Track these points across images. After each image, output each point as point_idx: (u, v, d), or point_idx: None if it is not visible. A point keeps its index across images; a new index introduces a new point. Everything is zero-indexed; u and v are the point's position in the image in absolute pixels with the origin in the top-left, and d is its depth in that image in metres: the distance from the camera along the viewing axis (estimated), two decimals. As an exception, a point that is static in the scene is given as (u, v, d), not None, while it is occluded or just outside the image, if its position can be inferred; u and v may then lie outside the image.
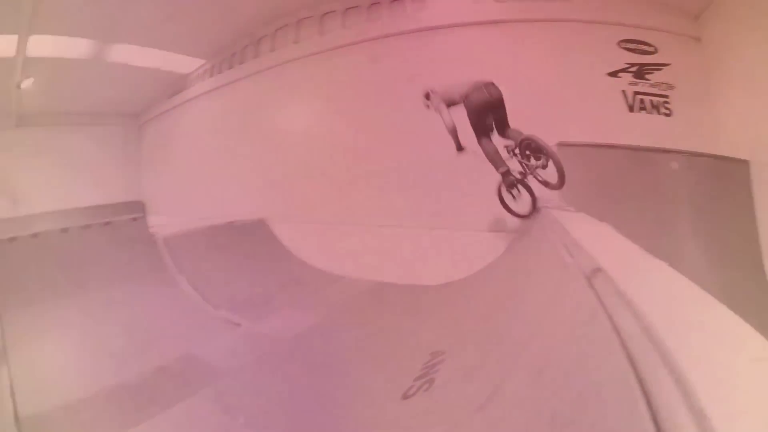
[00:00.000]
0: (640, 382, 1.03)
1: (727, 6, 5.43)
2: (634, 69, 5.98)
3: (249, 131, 9.43)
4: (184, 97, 11.22)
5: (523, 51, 6.29)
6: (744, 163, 5.12)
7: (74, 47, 8.81)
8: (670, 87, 5.89)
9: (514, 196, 4.72)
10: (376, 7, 7.46)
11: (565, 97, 5.97)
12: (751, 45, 5.01)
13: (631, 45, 6.01)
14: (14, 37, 8.07)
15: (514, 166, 4.60)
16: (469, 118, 4.53)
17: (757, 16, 4.88)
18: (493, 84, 4.45)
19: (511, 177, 4.61)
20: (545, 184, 4.38)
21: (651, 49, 5.97)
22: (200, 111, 10.80)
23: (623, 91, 5.98)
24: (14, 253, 4.65)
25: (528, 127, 4.48)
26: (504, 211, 4.94)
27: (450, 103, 4.52)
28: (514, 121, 4.61)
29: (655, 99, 5.93)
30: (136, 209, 11.40)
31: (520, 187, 4.70)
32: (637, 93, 5.96)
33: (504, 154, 4.58)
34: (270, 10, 8.57)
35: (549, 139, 4.37)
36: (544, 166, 4.20)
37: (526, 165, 4.48)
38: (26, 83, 9.29)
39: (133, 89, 11.26)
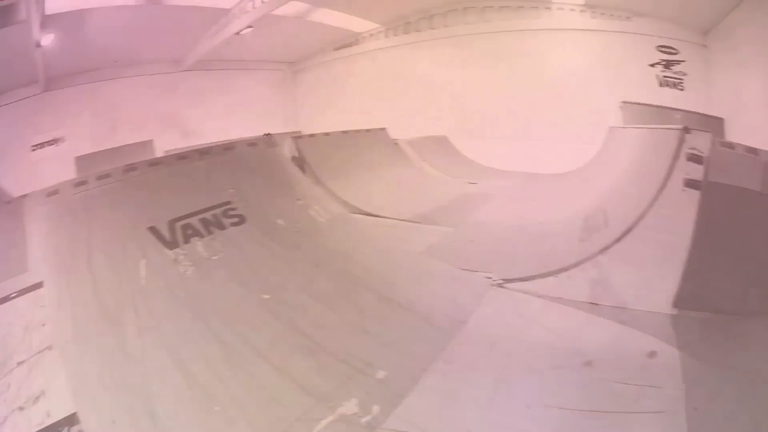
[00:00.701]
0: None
1: (725, 28, 9.49)
2: (664, 63, 10.23)
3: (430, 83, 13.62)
4: (356, 50, 15.22)
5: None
6: (720, 120, 9.32)
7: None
8: (684, 74, 10.22)
9: None
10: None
11: (629, 78, 10.33)
12: (739, 52, 9.05)
13: (663, 49, 10.28)
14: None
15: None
16: None
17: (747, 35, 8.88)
18: None
19: None
20: None
21: (675, 51, 10.20)
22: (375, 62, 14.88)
23: (657, 75, 10.31)
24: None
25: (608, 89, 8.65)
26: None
27: None
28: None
29: (676, 80, 10.25)
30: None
31: None
32: (665, 77, 10.25)
33: None
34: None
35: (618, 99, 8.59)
36: None
37: None
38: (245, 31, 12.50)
39: (303, 41, 14.82)
